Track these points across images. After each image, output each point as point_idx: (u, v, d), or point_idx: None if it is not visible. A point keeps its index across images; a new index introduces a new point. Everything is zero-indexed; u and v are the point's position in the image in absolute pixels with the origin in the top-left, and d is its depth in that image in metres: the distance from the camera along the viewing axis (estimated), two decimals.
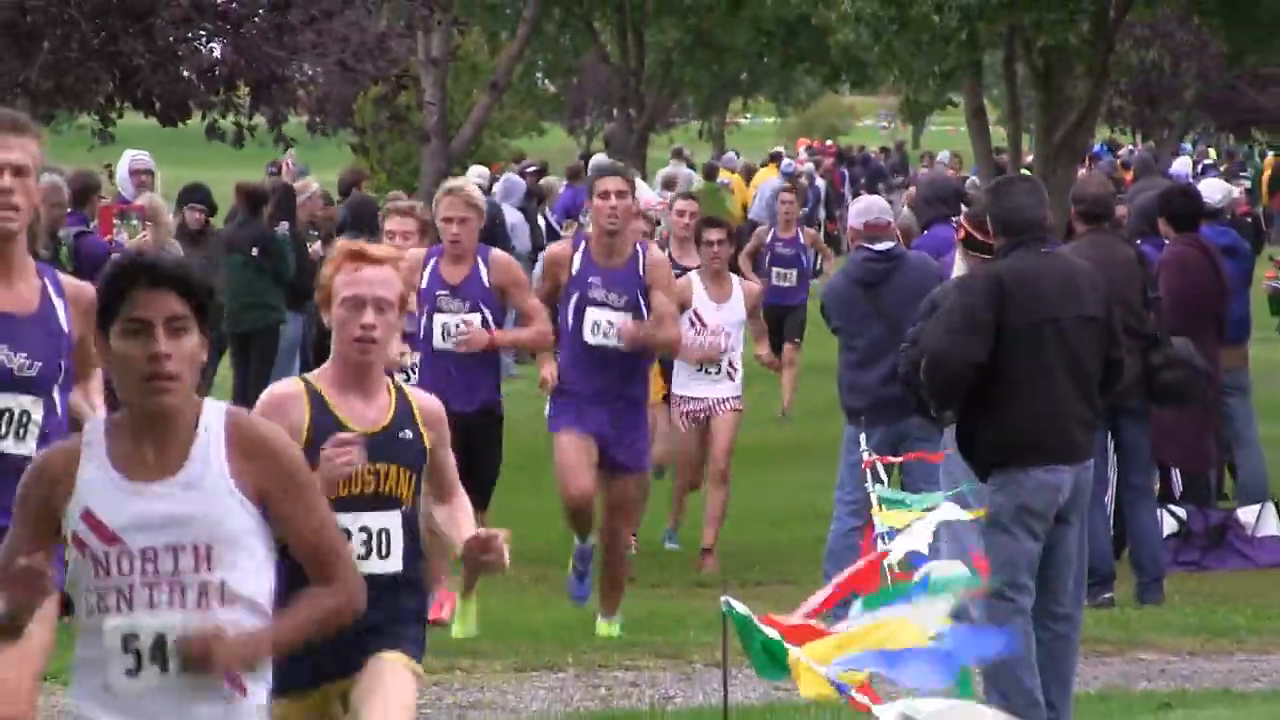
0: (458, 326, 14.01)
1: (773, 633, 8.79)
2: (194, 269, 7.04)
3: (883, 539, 11.54)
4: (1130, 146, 63.32)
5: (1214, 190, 25.82)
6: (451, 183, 14.45)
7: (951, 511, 10.95)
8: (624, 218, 14.08)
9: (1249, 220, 29.06)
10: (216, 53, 24.41)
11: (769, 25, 55.00)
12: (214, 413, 7.09)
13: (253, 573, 7.04)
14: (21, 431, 8.84)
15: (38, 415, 8.91)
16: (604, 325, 14.07)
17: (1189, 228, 21.25)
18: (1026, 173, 28.82)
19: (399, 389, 8.76)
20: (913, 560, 9.79)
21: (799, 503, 20.87)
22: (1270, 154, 63.07)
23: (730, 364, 18.30)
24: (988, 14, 33.02)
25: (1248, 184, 46.93)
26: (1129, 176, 40.95)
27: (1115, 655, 16.28)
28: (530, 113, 55.54)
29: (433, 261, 14.22)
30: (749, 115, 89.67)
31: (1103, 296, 14.28)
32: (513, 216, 35.18)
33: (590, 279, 13.90)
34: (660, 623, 17.29)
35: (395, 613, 8.69)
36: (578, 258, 14.07)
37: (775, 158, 54.92)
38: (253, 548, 7.06)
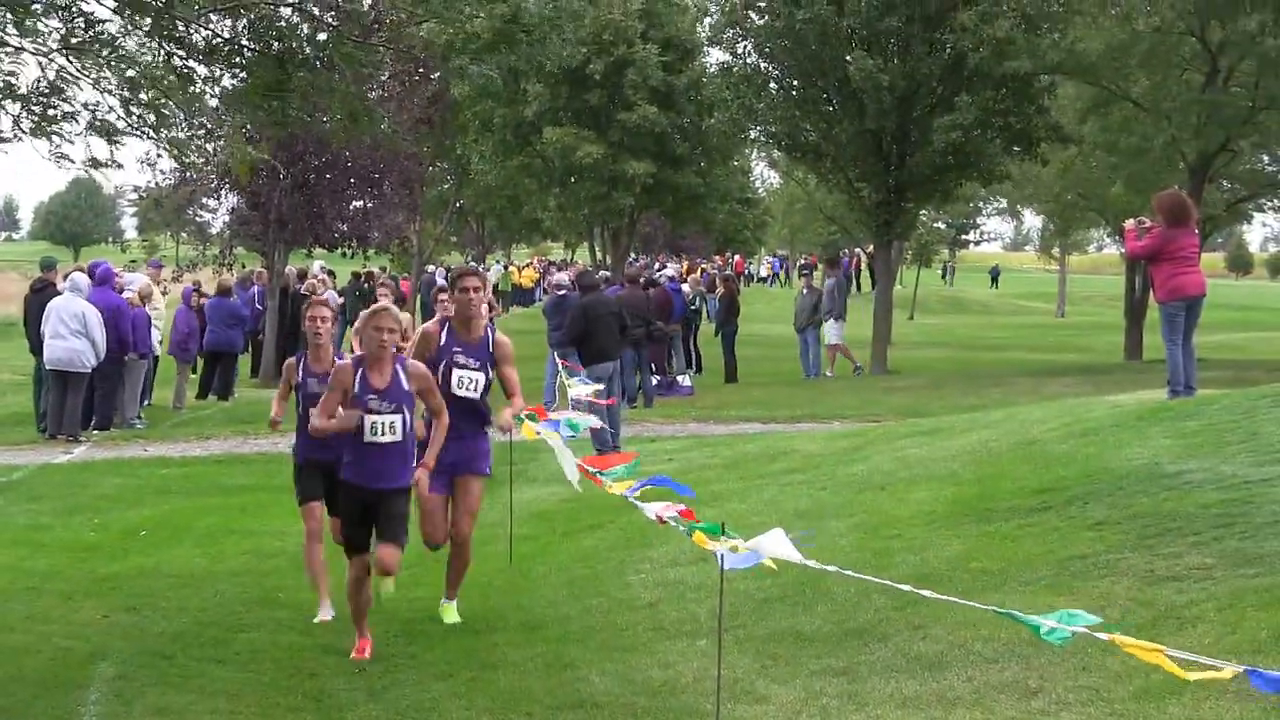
0: (387, 425, 6.58)
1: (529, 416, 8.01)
2: None
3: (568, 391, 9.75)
4: (645, 260, 62.64)
5: (670, 272, 28.44)
6: (376, 308, 6.87)
7: (586, 387, 10.00)
8: (478, 305, 7.47)
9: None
10: (344, 227, 23.77)
11: (522, 223, 54.69)
12: None
13: None
14: None
15: None
16: (466, 380, 7.34)
17: (656, 285, 21.15)
18: (604, 271, 28.52)
19: None
20: (572, 404, 9.04)
21: (532, 382, 19.25)
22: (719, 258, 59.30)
23: None
24: (593, 217, 32.45)
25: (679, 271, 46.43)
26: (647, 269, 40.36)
27: (638, 423, 15.73)
28: (446, 246, 54.14)
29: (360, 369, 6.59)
30: (517, 247, 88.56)
31: (619, 308, 14.24)
32: (442, 279, 31.73)
33: (455, 349, 7.31)
34: None
35: None
36: (444, 334, 7.42)
37: (531, 264, 54.40)
38: None
